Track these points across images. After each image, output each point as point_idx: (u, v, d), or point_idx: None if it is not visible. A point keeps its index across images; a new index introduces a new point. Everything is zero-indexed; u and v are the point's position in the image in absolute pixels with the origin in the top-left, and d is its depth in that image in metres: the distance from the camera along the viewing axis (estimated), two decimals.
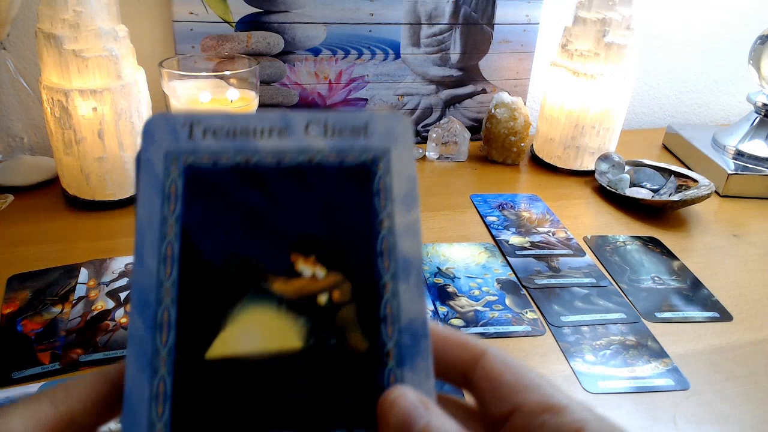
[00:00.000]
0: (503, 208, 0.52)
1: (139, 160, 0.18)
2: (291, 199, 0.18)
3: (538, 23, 0.63)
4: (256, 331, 0.17)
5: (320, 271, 0.17)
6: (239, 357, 0.17)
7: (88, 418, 0.16)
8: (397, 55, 0.61)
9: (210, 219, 0.18)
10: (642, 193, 0.53)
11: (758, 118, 0.60)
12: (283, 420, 0.16)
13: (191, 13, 0.54)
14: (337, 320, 0.17)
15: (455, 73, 0.63)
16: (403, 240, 0.18)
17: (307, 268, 0.17)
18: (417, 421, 0.15)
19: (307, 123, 0.18)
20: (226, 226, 0.18)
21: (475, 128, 0.66)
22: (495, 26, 0.62)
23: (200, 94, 0.49)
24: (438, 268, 0.43)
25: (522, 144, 0.59)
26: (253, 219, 0.18)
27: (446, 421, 0.15)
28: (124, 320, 0.36)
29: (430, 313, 0.38)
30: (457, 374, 0.18)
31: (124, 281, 0.39)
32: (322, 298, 0.17)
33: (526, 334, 0.37)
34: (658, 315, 0.39)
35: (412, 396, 0.16)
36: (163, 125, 0.18)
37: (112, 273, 0.40)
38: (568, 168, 0.59)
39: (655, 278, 0.43)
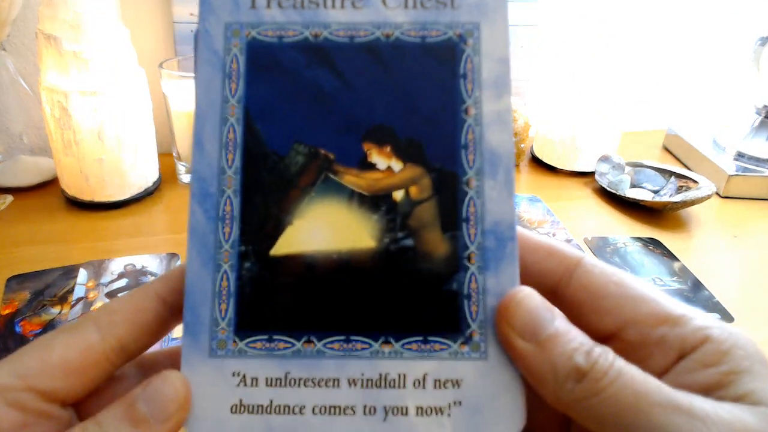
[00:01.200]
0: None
1: (197, 35, 0.16)
2: (365, 81, 0.16)
3: (537, 24, 0.63)
4: (325, 228, 0.15)
5: (396, 164, 0.16)
6: (307, 255, 0.15)
7: (136, 342, 0.15)
8: None
9: (274, 102, 0.16)
10: (642, 194, 0.53)
11: (759, 120, 0.60)
12: (353, 323, 0.15)
13: (192, 14, 0.54)
14: (413, 219, 0.15)
15: None
16: (491, 131, 0.16)
17: (381, 159, 0.16)
18: (546, 324, 0.14)
19: None
20: (292, 110, 0.16)
21: None
22: None
23: None
24: None
25: (522, 145, 0.59)
26: (322, 103, 0.16)
27: (572, 328, 0.14)
28: None
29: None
30: (547, 285, 0.16)
31: (123, 282, 0.39)
32: (398, 194, 0.16)
33: None
34: None
35: (539, 298, 0.15)
36: None
37: (111, 274, 0.40)
38: (568, 169, 0.59)
39: (656, 279, 0.43)
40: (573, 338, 0.14)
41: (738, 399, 0.13)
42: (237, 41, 0.16)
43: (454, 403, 0.15)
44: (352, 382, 0.15)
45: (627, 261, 0.45)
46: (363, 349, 0.15)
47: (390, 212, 0.16)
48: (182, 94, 0.48)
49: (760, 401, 0.13)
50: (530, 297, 0.15)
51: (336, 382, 0.15)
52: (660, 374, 0.14)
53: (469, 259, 0.15)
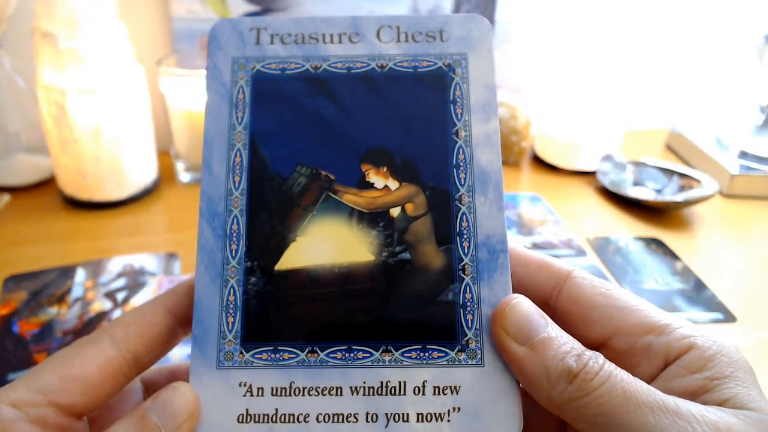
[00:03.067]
0: (505, 208, 0.51)
1: (207, 69, 0.17)
2: (362, 107, 0.17)
3: (538, 22, 0.62)
4: (327, 244, 0.16)
5: (393, 183, 0.17)
6: (309, 269, 0.16)
7: (149, 355, 0.16)
8: None
9: (278, 128, 0.17)
10: (645, 194, 0.53)
11: (763, 118, 0.59)
12: (355, 333, 0.16)
13: (189, 10, 0.54)
14: (410, 233, 0.16)
15: None
16: (480, 151, 0.17)
17: (379, 179, 0.17)
18: (539, 329, 0.15)
19: (378, 27, 0.18)
20: (295, 135, 0.17)
21: None
22: (495, 24, 0.62)
23: (198, 92, 0.48)
24: None
25: (523, 143, 0.58)
26: (322, 128, 0.17)
27: (564, 333, 0.15)
28: None
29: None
30: (539, 297, 0.17)
31: (121, 282, 0.39)
32: (395, 211, 0.17)
33: None
34: None
35: (532, 304, 0.15)
36: (229, 30, 0.18)
37: (110, 273, 0.40)
38: (570, 168, 0.58)
39: (658, 279, 0.43)
40: (565, 342, 0.14)
41: (722, 403, 0.14)
42: (243, 74, 0.17)
43: (454, 408, 0.15)
44: (354, 390, 0.15)
45: (629, 260, 0.45)
46: (364, 357, 0.16)
47: (388, 228, 0.17)
48: (180, 92, 0.48)
49: (742, 405, 0.13)
50: (523, 303, 0.15)
51: (339, 391, 0.15)
52: (647, 381, 0.15)
53: (463, 270, 0.16)
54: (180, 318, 0.17)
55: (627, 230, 0.49)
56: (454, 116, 0.17)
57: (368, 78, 0.17)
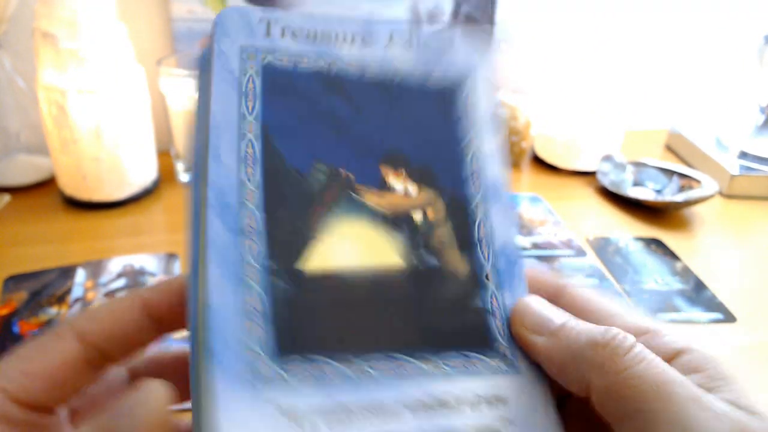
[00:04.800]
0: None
1: (205, 55, 0.16)
2: (376, 111, 0.17)
3: (538, 22, 0.62)
4: (353, 245, 0.15)
5: (412, 188, 0.16)
6: (340, 272, 0.15)
7: (118, 351, 0.15)
8: None
9: (292, 123, 0.16)
10: (644, 194, 0.53)
11: (763, 118, 0.59)
12: (389, 341, 0.15)
13: (189, 11, 0.54)
14: (435, 239, 0.16)
15: None
16: (491, 162, 0.17)
17: (398, 182, 0.16)
18: (555, 319, 0.15)
19: (390, 33, 0.17)
20: (310, 131, 0.16)
21: None
22: (495, 24, 0.62)
23: None
24: None
25: (523, 144, 0.58)
26: (338, 127, 0.16)
27: (580, 321, 0.15)
28: None
29: None
30: None
31: (121, 282, 0.39)
32: (417, 216, 0.16)
33: None
34: (661, 317, 0.39)
35: (544, 300, 0.16)
36: (237, 19, 0.17)
37: (110, 274, 0.40)
38: (570, 168, 0.58)
39: (658, 280, 0.43)
40: (585, 325, 0.15)
41: (730, 403, 0.13)
42: (253, 64, 0.16)
43: (505, 420, 0.15)
44: (406, 407, 0.14)
45: (629, 261, 0.45)
46: (411, 368, 0.15)
47: (412, 232, 0.16)
48: (181, 93, 0.48)
49: (749, 408, 0.13)
50: (536, 299, 0.16)
51: (391, 408, 0.14)
52: None
53: (487, 278, 0.16)
54: (159, 318, 0.15)
55: (627, 230, 0.49)
56: (463, 128, 0.17)
57: (380, 83, 0.17)
